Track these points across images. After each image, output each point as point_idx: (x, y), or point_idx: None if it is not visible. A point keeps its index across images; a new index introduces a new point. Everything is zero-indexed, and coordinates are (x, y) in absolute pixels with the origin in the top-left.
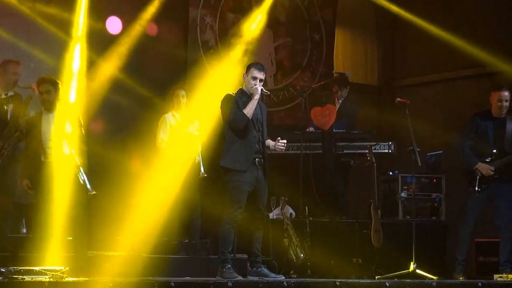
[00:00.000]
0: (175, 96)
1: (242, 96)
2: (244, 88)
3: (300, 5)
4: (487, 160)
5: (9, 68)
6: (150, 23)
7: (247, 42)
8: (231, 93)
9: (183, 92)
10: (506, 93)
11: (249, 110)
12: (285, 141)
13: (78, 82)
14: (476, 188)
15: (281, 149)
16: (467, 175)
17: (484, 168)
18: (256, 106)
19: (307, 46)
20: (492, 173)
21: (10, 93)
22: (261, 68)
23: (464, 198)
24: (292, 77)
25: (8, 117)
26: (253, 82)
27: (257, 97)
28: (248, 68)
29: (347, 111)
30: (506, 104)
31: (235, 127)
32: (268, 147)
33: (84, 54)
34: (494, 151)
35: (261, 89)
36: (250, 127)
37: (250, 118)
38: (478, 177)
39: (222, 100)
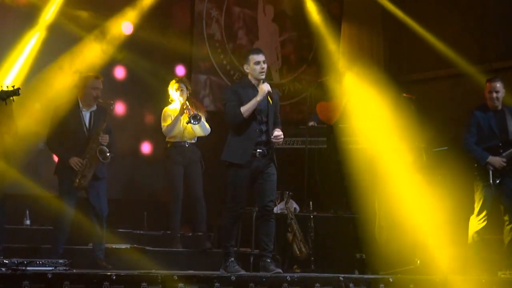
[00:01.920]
0: (169, 88)
1: (246, 87)
2: (250, 77)
3: None
4: (500, 151)
5: (88, 82)
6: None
7: None
8: (234, 83)
9: (179, 85)
10: (498, 84)
11: (247, 109)
12: (279, 133)
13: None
14: (491, 182)
15: (278, 142)
16: (478, 171)
17: (496, 161)
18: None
19: (313, 40)
20: (505, 164)
21: (93, 109)
22: (258, 51)
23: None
24: (298, 72)
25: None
26: (258, 67)
27: (260, 98)
28: (246, 57)
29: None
30: (497, 95)
31: (229, 122)
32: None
33: (40, 41)
34: (500, 144)
35: (267, 90)
36: (250, 119)
37: (246, 117)
38: (491, 171)
39: (222, 91)
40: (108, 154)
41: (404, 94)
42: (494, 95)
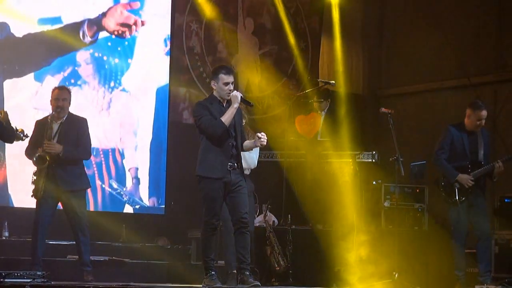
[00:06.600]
0: None
1: (213, 102)
2: (215, 94)
3: (286, 13)
4: (468, 171)
5: (52, 94)
6: None
7: None
8: (202, 100)
9: None
10: (485, 113)
11: (227, 118)
12: (263, 134)
13: None
14: (457, 199)
15: (263, 143)
16: (445, 188)
17: (464, 179)
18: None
19: (292, 54)
20: (472, 183)
21: (61, 121)
22: (229, 71)
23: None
24: (277, 85)
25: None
26: (226, 88)
27: (236, 105)
28: (216, 74)
29: (331, 130)
30: (482, 122)
31: (212, 134)
32: (249, 147)
33: None
34: (469, 165)
35: (241, 97)
36: (225, 133)
37: (228, 126)
38: (457, 188)
39: (194, 108)
40: (46, 161)
41: (383, 108)
42: (482, 122)
